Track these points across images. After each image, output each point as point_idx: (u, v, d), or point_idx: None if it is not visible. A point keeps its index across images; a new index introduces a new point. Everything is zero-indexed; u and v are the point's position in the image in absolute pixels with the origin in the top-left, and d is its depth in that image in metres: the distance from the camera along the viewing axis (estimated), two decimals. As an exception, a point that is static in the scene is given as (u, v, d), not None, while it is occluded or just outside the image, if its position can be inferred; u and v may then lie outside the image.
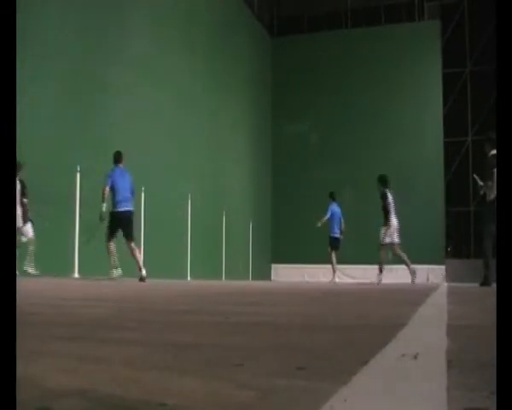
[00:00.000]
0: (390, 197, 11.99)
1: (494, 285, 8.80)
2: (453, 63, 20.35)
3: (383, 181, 12.07)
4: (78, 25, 10.85)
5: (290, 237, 20.40)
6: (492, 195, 9.19)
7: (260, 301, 4.23)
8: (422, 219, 19.93)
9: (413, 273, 12.21)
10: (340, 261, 19.05)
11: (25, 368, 0.98)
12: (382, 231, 11.82)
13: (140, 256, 9.85)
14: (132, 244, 9.56)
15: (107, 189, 9.37)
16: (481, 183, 9.51)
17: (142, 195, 12.18)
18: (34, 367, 1.02)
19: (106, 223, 9.48)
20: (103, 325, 1.98)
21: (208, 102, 16.23)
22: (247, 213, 18.70)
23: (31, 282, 6.81)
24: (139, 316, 2.51)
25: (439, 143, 20.23)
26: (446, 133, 20.22)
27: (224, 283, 12.27)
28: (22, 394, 0.79)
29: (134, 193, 9.99)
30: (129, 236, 9.53)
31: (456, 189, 20.00)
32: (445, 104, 20.26)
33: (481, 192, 9.62)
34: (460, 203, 19.99)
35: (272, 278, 21.01)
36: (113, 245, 9.42)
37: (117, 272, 9.38)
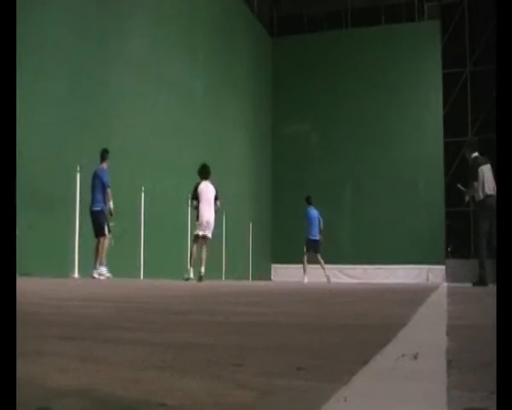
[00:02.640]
0: (202, 188, 10.93)
1: (491, 286, 8.79)
2: (453, 63, 20.33)
3: (200, 172, 11.39)
4: (78, 25, 10.85)
5: (290, 237, 20.42)
6: (481, 194, 9.25)
7: (260, 302, 4.23)
8: (422, 219, 19.95)
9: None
10: (339, 261, 19.04)
11: (25, 368, 0.98)
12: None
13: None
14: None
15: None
16: (465, 189, 9.65)
17: (142, 195, 12.19)
18: (34, 367, 1.02)
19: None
20: (103, 325, 1.98)
21: (208, 102, 16.24)
22: (247, 213, 18.70)
23: (31, 282, 6.80)
24: (139, 316, 2.51)
25: (439, 143, 20.23)
26: (446, 133, 20.21)
27: (223, 283, 12.27)
28: (22, 394, 0.79)
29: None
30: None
31: (456, 189, 19.96)
32: (445, 104, 20.25)
33: (466, 199, 9.78)
34: (460, 203, 19.95)
35: (272, 278, 21.01)
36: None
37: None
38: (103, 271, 9.66)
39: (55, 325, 1.93)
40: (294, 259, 20.22)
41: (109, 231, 9.81)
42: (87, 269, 9.88)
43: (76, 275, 9.73)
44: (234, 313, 2.74)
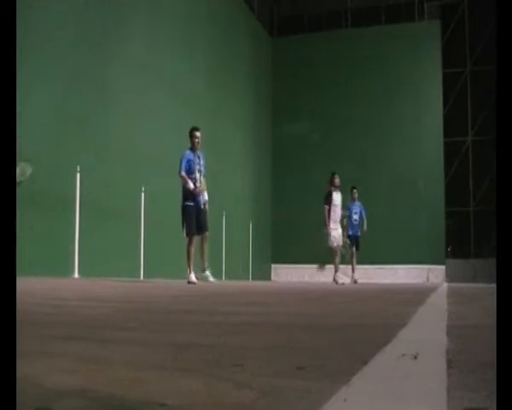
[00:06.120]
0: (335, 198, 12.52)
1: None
2: (453, 63, 20.35)
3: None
4: (78, 25, 10.85)
5: (290, 237, 20.41)
6: None
7: (260, 302, 4.23)
8: (422, 219, 19.95)
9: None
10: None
11: (25, 368, 0.98)
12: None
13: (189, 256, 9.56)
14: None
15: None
16: None
17: (142, 195, 12.19)
18: (34, 367, 1.02)
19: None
20: (103, 325, 1.98)
21: (208, 101, 16.24)
22: (247, 213, 18.70)
23: (31, 282, 6.80)
24: (139, 316, 2.51)
25: (439, 143, 20.23)
26: (446, 133, 20.22)
27: (223, 283, 12.27)
28: (22, 394, 0.79)
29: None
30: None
31: (456, 189, 20.01)
32: (445, 104, 20.26)
33: None
34: (460, 203, 19.99)
35: (272, 278, 21.01)
36: None
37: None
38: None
39: (55, 325, 1.93)
40: (294, 259, 20.25)
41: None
42: (87, 269, 9.88)
43: (76, 275, 9.72)
44: (234, 313, 2.74)
